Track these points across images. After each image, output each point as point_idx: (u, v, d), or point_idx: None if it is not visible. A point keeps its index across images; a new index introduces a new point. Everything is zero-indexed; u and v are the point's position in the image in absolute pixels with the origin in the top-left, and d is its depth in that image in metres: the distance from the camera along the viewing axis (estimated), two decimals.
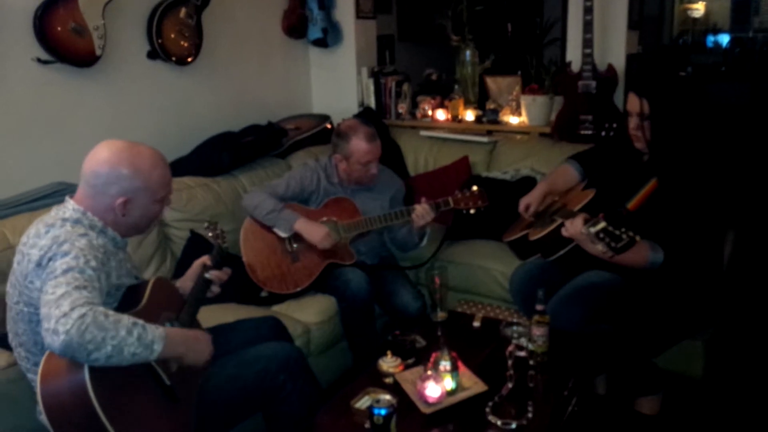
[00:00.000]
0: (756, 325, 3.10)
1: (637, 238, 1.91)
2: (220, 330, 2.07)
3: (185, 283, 2.02)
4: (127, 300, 1.69)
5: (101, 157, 1.69)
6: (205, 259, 2.05)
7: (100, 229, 1.71)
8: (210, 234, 2.13)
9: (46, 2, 2.51)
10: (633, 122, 2.25)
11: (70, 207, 1.70)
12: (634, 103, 2.23)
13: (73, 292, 1.45)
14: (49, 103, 2.65)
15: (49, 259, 1.55)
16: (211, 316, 2.25)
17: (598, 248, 1.97)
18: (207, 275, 2.00)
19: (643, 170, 2.29)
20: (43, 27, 2.51)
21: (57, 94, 2.66)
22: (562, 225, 2.22)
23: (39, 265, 1.56)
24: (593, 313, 2.22)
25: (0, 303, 1.83)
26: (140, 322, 1.50)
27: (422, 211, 2.62)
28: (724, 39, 8.27)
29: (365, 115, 3.80)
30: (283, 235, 2.68)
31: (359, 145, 2.67)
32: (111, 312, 1.47)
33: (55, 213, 1.69)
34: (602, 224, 1.94)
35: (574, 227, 2.10)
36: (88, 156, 1.71)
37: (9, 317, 1.69)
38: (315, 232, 2.63)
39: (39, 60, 2.55)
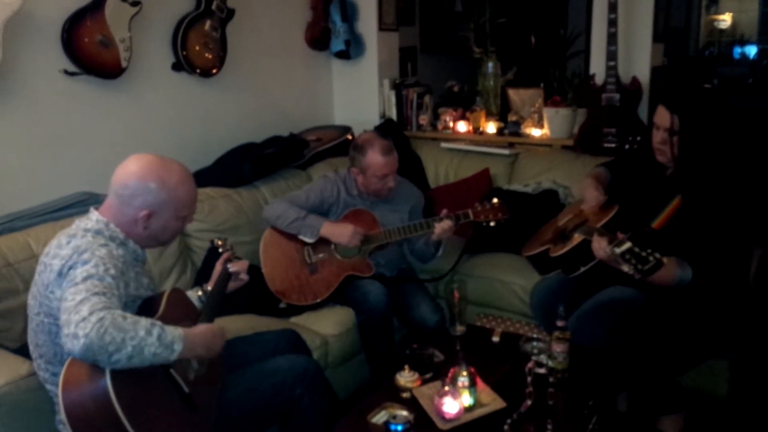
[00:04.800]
0: None
1: (665, 259, 1.88)
2: (238, 342, 2.09)
3: (212, 284, 2.06)
4: (142, 311, 1.71)
5: (130, 170, 1.72)
6: (225, 255, 2.08)
7: (121, 240, 1.73)
8: (220, 250, 2.15)
9: (74, 15, 2.56)
10: (659, 136, 2.21)
11: (93, 218, 1.72)
12: (664, 118, 2.19)
13: (92, 297, 1.47)
14: (75, 114, 2.69)
15: (70, 268, 1.57)
16: (230, 327, 2.26)
17: (624, 269, 1.93)
18: (229, 266, 2.04)
19: (666, 185, 2.26)
20: (70, 39, 2.56)
21: (83, 106, 2.71)
22: (584, 241, 2.20)
23: (60, 274, 1.58)
24: (615, 329, 2.19)
25: (21, 314, 1.85)
26: (158, 323, 1.52)
27: (444, 227, 2.61)
28: (752, 50, 8.16)
29: (386, 127, 3.80)
30: (309, 241, 2.68)
31: (375, 158, 2.67)
32: (129, 314, 1.49)
33: (77, 224, 1.72)
34: (627, 245, 1.91)
35: (598, 246, 2.07)
36: (119, 168, 1.74)
37: (30, 328, 1.71)
38: (342, 232, 2.64)
39: (66, 72, 2.60)
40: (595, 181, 2.49)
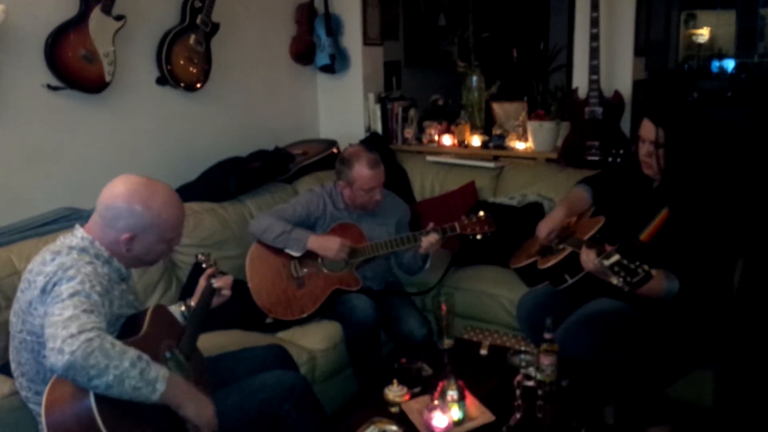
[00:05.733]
0: (765, 353, 3.06)
1: (653, 271, 1.89)
2: (225, 358, 2.07)
3: (196, 299, 2.03)
4: (126, 328, 1.69)
5: (116, 191, 1.71)
6: (209, 271, 2.06)
7: (105, 259, 1.71)
8: (204, 266, 2.13)
9: (57, 29, 2.54)
10: (645, 149, 2.23)
11: (78, 235, 1.70)
12: (649, 131, 2.21)
13: (81, 315, 1.45)
14: (59, 129, 2.66)
15: (54, 284, 1.55)
16: (216, 343, 2.24)
17: (613, 281, 1.94)
18: (213, 282, 2.01)
19: (653, 197, 2.28)
20: (54, 53, 2.54)
21: (66, 120, 2.68)
22: (571, 253, 2.20)
23: (44, 291, 1.56)
24: (603, 341, 2.20)
25: (3, 331, 1.82)
26: (145, 357, 1.50)
27: (431, 241, 2.61)
28: (730, 64, 8.31)
29: (372, 141, 3.81)
30: (295, 254, 2.67)
31: (362, 171, 2.67)
32: (118, 342, 1.47)
33: (62, 241, 1.70)
34: (616, 257, 1.92)
35: (587, 258, 2.08)
36: (106, 187, 1.73)
37: (12, 346, 1.68)
38: (329, 245, 2.63)
39: (49, 86, 2.57)
40: (562, 215, 2.46)
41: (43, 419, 1.44)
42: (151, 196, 1.72)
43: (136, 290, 2.43)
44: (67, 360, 1.38)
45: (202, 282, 2.06)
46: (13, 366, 1.70)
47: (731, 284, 2.43)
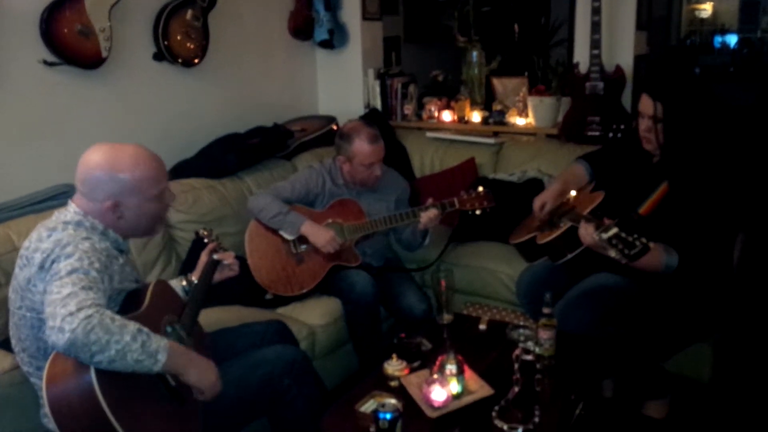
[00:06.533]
0: (764, 328, 3.07)
1: (651, 244, 1.89)
2: (225, 334, 2.07)
3: (197, 274, 2.03)
4: (128, 304, 1.69)
5: (88, 162, 1.69)
6: (211, 246, 2.06)
7: (101, 231, 1.70)
8: (206, 240, 2.12)
9: (52, 4, 2.51)
10: (644, 124, 2.23)
11: (71, 210, 1.70)
12: (647, 105, 2.20)
13: (79, 292, 1.45)
14: (55, 105, 2.65)
15: (53, 261, 1.55)
16: (217, 318, 2.25)
17: (611, 254, 1.94)
18: (215, 256, 2.01)
19: (653, 172, 2.27)
20: (49, 29, 2.51)
21: (63, 96, 2.66)
22: (570, 228, 2.20)
23: (42, 267, 1.56)
24: (601, 315, 2.20)
25: (3, 308, 1.83)
26: (145, 329, 1.50)
27: (430, 216, 2.61)
28: (732, 39, 8.23)
29: (371, 117, 3.79)
30: (289, 238, 2.67)
31: (362, 146, 2.66)
32: (117, 317, 1.47)
33: (57, 216, 1.69)
34: (614, 230, 1.92)
35: (585, 232, 2.08)
36: (79, 161, 1.71)
37: (12, 323, 1.69)
38: (320, 235, 2.62)
39: (45, 62, 2.55)
40: (557, 189, 2.48)
41: (44, 393, 1.44)
42: (118, 157, 1.69)
43: (136, 265, 2.43)
44: (68, 338, 1.38)
45: (203, 257, 2.05)
46: (13, 342, 1.70)
47: (731, 259, 2.43)
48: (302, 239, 2.67)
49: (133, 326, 1.47)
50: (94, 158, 1.69)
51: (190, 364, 1.60)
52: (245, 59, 3.54)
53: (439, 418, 1.79)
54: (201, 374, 1.62)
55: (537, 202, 2.46)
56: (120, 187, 1.69)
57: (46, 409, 1.45)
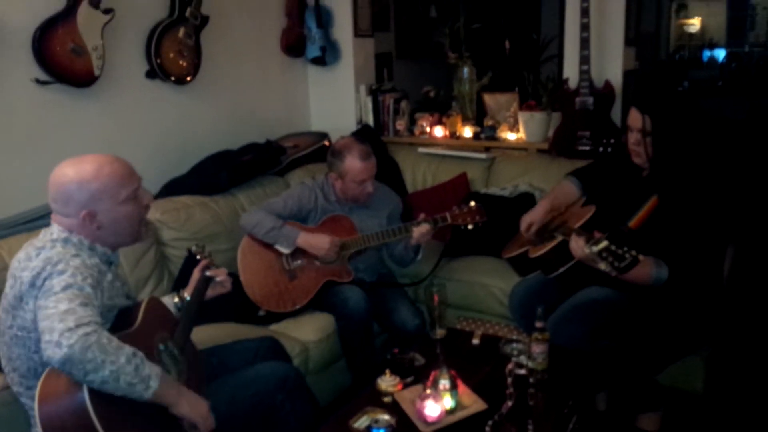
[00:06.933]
0: (755, 340, 3.09)
1: (641, 257, 1.90)
2: (218, 350, 2.07)
3: (190, 291, 2.03)
4: (120, 321, 1.69)
5: (53, 180, 1.69)
6: (203, 263, 2.06)
7: (88, 246, 1.70)
8: (198, 257, 2.12)
9: (45, 23, 2.52)
10: (633, 137, 2.25)
11: (55, 229, 1.69)
12: (635, 119, 2.23)
13: (78, 308, 1.45)
14: (48, 124, 2.65)
15: (45, 279, 1.54)
16: (209, 335, 2.25)
17: (602, 267, 1.95)
18: (208, 273, 2.01)
19: (642, 186, 2.29)
20: (42, 48, 2.52)
21: (56, 115, 2.67)
22: (562, 242, 2.21)
23: (33, 285, 1.55)
24: (594, 329, 2.21)
25: None
26: (140, 354, 1.50)
27: (422, 231, 2.62)
28: (720, 54, 8.33)
29: (363, 133, 3.81)
30: (285, 251, 2.67)
31: (354, 163, 2.67)
32: (114, 338, 1.47)
33: (44, 235, 1.69)
34: (604, 243, 1.93)
35: (576, 246, 2.09)
36: (48, 182, 1.71)
37: (2, 342, 1.67)
38: (318, 243, 2.63)
39: (38, 81, 2.56)
40: (545, 208, 2.50)
41: (36, 412, 1.44)
42: (81, 167, 1.68)
43: (126, 279, 2.42)
44: (65, 353, 1.38)
45: (196, 274, 2.05)
46: (3, 362, 1.69)
47: (721, 272, 2.45)
48: (297, 253, 2.67)
49: (128, 349, 1.47)
50: (59, 174, 1.69)
51: (180, 396, 1.59)
52: (238, 76, 3.56)
53: None
54: (192, 407, 1.61)
55: (524, 223, 2.49)
56: (89, 195, 1.68)
57: (38, 429, 1.44)
